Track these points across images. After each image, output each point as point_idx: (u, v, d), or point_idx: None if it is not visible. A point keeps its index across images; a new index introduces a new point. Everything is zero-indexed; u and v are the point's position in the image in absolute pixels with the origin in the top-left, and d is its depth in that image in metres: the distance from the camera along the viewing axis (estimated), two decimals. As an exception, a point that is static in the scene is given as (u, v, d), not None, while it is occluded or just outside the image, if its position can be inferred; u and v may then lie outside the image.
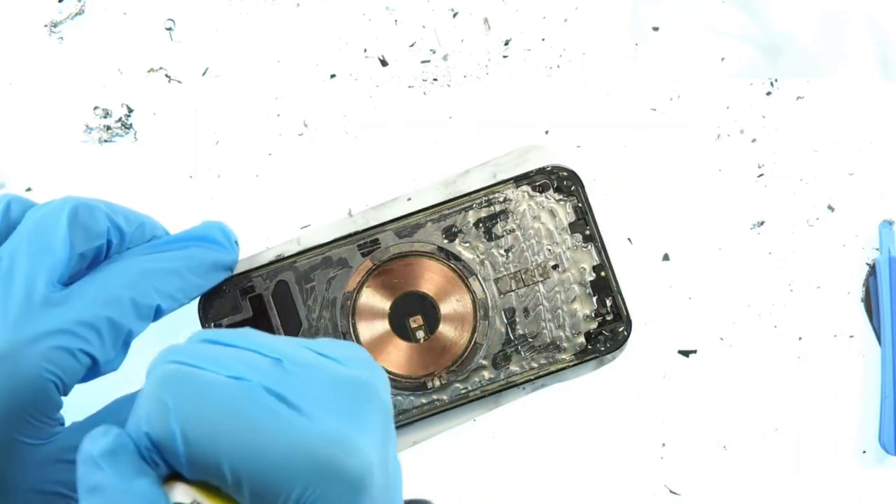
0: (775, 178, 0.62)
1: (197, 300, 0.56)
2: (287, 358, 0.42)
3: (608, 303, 0.56)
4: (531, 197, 0.56)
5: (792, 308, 0.61)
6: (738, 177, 0.62)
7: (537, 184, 0.56)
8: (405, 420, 0.56)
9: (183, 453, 0.40)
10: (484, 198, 0.56)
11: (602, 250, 0.56)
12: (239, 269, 0.57)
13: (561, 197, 0.56)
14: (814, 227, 0.62)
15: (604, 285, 0.56)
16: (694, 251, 0.61)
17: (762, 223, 0.62)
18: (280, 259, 0.56)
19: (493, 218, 0.56)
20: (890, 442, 0.60)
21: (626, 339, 0.56)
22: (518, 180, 0.56)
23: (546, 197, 0.56)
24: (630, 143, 0.62)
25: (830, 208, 0.62)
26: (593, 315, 0.56)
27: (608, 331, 0.56)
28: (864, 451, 0.61)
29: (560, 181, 0.56)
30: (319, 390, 0.41)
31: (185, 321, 0.58)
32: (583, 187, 0.56)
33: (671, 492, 0.61)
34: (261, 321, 0.56)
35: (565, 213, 0.56)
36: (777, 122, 0.62)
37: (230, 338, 0.43)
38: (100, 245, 0.50)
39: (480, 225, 0.56)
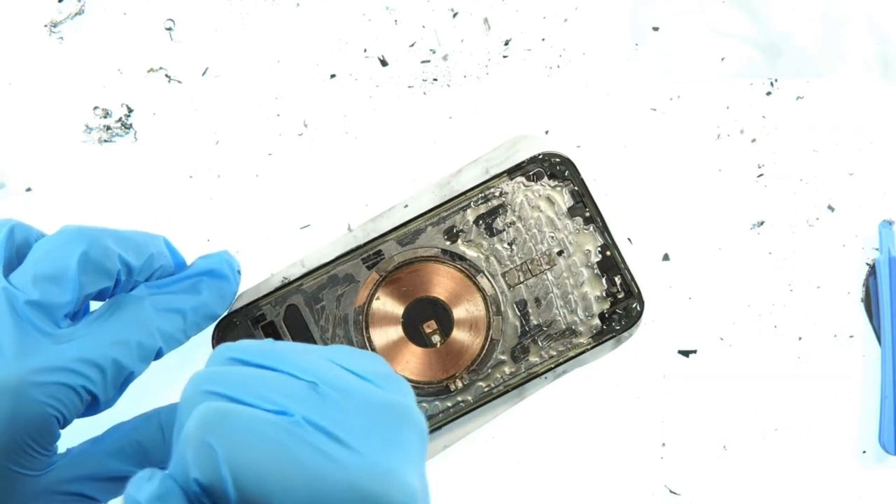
0: (775, 178, 0.62)
1: (209, 329, 0.56)
2: (321, 380, 0.41)
3: (618, 281, 0.56)
4: (526, 187, 0.56)
5: (792, 308, 0.61)
6: (738, 177, 0.62)
7: (531, 173, 0.56)
8: (433, 425, 0.57)
9: (234, 499, 0.38)
10: (480, 195, 0.56)
11: (604, 230, 0.56)
12: (246, 298, 0.57)
13: (556, 183, 0.56)
14: (814, 227, 0.62)
15: (611, 264, 0.56)
16: (694, 251, 0.61)
17: (762, 223, 0.62)
18: (286, 283, 0.56)
19: (492, 213, 0.56)
20: (890, 442, 0.60)
21: (640, 314, 0.56)
22: (511, 172, 0.56)
23: (541, 185, 0.56)
24: (630, 143, 0.62)
25: (830, 208, 0.62)
26: (604, 295, 0.56)
27: (621, 309, 0.56)
28: (864, 451, 0.61)
29: (553, 167, 0.56)
30: (358, 418, 0.40)
31: (194, 350, 0.58)
32: (576, 170, 0.56)
33: (671, 492, 0.61)
34: None
35: (563, 199, 0.56)
36: (777, 122, 0.62)
37: (258, 355, 0.42)
38: (108, 286, 0.50)
39: (480, 222, 0.56)
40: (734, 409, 0.61)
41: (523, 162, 0.56)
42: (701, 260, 0.61)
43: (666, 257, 0.61)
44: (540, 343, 0.56)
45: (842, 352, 0.61)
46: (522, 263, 0.56)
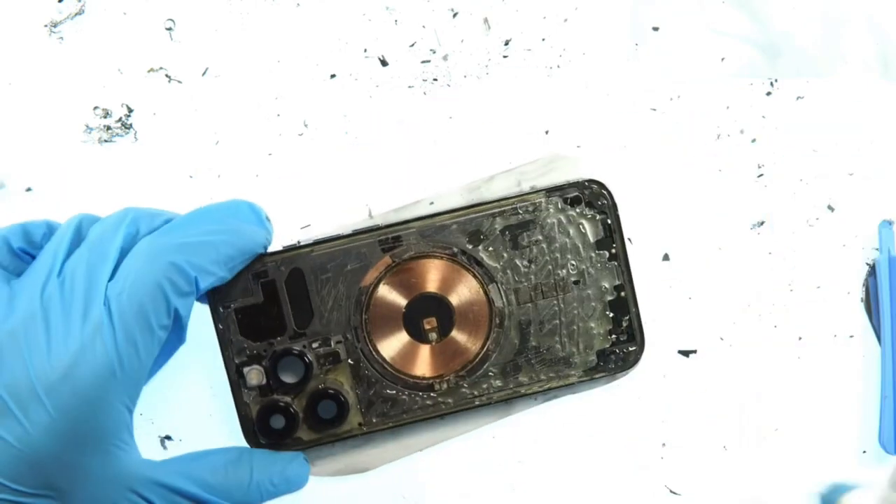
0: (775, 178, 0.62)
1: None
2: None
3: (624, 324, 0.55)
4: (561, 210, 0.55)
5: (792, 308, 0.61)
6: (738, 177, 0.62)
7: (569, 196, 0.55)
8: (409, 419, 0.56)
9: None
10: (512, 206, 0.55)
11: (625, 270, 0.55)
12: None
13: (592, 212, 0.55)
14: (814, 227, 0.62)
15: (622, 305, 0.55)
16: (694, 251, 0.61)
17: (762, 223, 0.62)
18: (297, 246, 0.55)
19: (521, 227, 0.55)
20: (890, 442, 0.60)
21: (636, 360, 0.55)
22: (550, 191, 0.56)
23: (577, 211, 0.55)
24: (630, 143, 0.62)
25: (830, 208, 0.62)
26: (608, 333, 0.55)
27: (621, 351, 0.55)
28: (864, 451, 0.61)
29: (593, 196, 0.55)
30: None
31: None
32: (615, 205, 0.55)
33: (671, 492, 0.61)
34: (271, 307, 0.55)
35: (594, 230, 0.55)
36: (777, 122, 0.62)
37: None
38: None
39: (507, 232, 0.55)
40: (734, 409, 0.61)
41: (565, 184, 0.55)
42: (701, 260, 0.61)
43: (666, 257, 0.61)
44: (533, 365, 0.56)
45: (842, 352, 0.61)
46: (537, 284, 0.56)
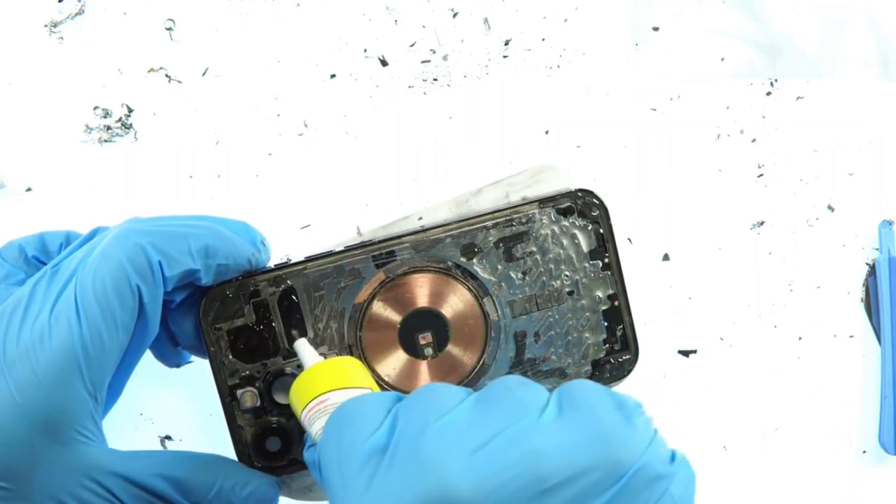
0: (775, 178, 0.62)
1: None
2: None
3: (618, 333, 0.55)
4: (555, 221, 0.55)
5: (792, 308, 0.61)
6: (738, 177, 0.62)
7: (562, 207, 0.55)
8: None
9: None
10: (505, 218, 0.55)
11: (618, 279, 0.55)
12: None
13: (585, 222, 0.55)
14: (814, 227, 0.62)
15: (616, 315, 0.55)
16: (694, 251, 0.61)
17: (762, 223, 0.62)
18: (289, 264, 0.55)
19: (515, 239, 0.55)
20: (890, 442, 0.60)
21: (630, 370, 0.55)
22: (543, 202, 0.55)
23: (570, 221, 0.55)
24: (630, 143, 0.62)
25: (830, 208, 0.62)
26: (602, 343, 0.55)
27: (615, 360, 0.55)
28: (864, 451, 0.61)
29: (586, 206, 0.55)
30: None
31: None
32: (608, 215, 0.55)
33: (671, 492, 0.61)
34: (264, 328, 0.55)
35: (587, 240, 0.55)
36: (777, 122, 0.62)
37: None
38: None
39: (501, 245, 0.55)
40: (734, 409, 0.61)
41: (557, 194, 0.55)
42: (701, 260, 0.61)
43: (666, 257, 0.62)
44: (529, 377, 0.55)
45: (842, 352, 0.61)
46: (532, 296, 0.55)
